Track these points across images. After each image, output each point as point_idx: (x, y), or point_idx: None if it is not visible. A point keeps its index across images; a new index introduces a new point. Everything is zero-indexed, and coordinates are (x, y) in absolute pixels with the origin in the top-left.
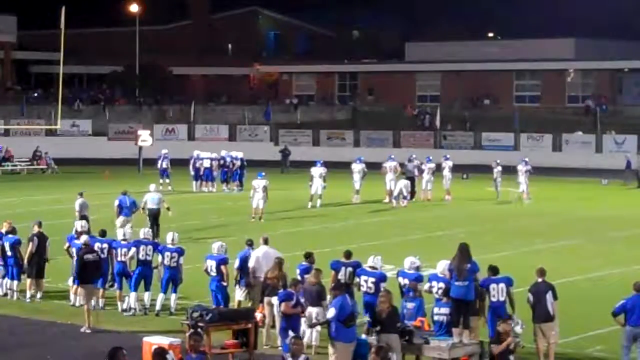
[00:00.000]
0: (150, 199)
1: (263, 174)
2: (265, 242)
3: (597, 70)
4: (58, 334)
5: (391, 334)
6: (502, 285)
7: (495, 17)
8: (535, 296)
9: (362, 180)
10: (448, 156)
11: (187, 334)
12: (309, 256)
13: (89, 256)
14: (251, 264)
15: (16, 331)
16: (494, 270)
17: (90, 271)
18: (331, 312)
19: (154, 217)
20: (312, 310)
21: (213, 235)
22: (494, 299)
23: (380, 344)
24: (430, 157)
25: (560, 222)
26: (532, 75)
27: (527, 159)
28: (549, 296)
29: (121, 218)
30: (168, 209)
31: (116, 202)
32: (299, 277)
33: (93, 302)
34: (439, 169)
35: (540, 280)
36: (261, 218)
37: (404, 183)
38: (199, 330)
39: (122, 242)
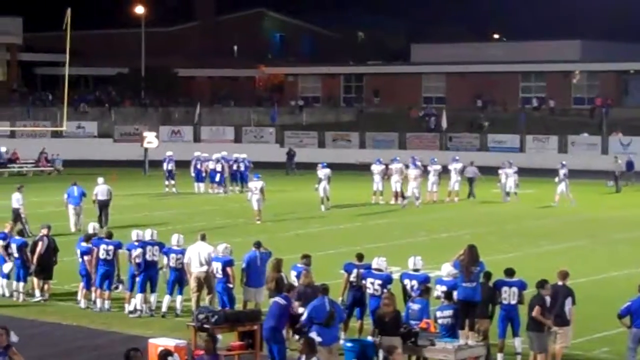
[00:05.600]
0: (100, 191)
1: (259, 175)
2: (203, 238)
3: (603, 72)
4: (64, 335)
5: (393, 337)
6: (514, 288)
7: (500, 18)
8: (552, 298)
9: (383, 180)
10: (457, 158)
11: (203, 337)
12: (305, 257)
13: None
14: (185, 259)
15: (22, 332)
16: (508, 272)
17: None
18: (304, 314)
19: (103, 207)
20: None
21: (218, 237)
22: (505, 302)
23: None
24: (435, 159)
25: (566, 223)
26: (538, 76)
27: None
28: (568, 301)
29: (71, 207)
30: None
31: (65, 195)
32: (294, 279)
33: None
34: (445, 170)
35: (560, 283)
36: (259, 219)
37: (415, 184)
38: (213, 333)
39: (136, 244)
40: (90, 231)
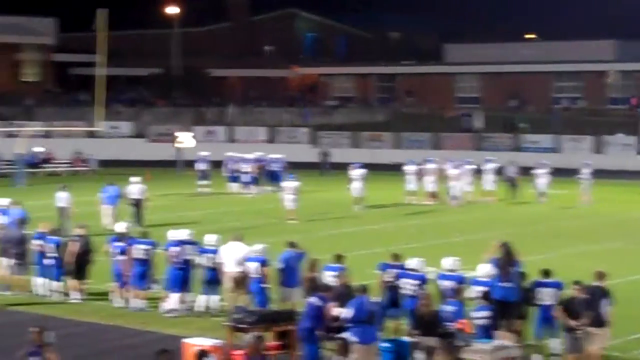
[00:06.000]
0: (134, 190)
1: (293, 175)
2: (237, 238)
3: (638, 71)
4: (100, 334)
5: (432, 337)
6: (551, 289)
7: (534, 18)
8: (589, 299)
9: (416, 181)
10: (491, 158)
11: (249, 338)
12: (338, 258)
13: None
14: (220, 259)
15: (59, 332)
16: (545, 273)
17: None
18: (346, 313)
19: (137, 206)
20: (339, 311)
21: (253, 237)
22: (542, 302)
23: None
24: (469, 159)
25: (601, 224)
26: (573, 76)
27: None
28: (605, 302)
29: (105, 207)
30: (147, 199)
31: (100, 195)
32: (330, 279)
33: None
34: (479, 170)
35: (597, 284)
36: (293, 219)
37: (455, 184)
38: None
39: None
40: (121, 230)
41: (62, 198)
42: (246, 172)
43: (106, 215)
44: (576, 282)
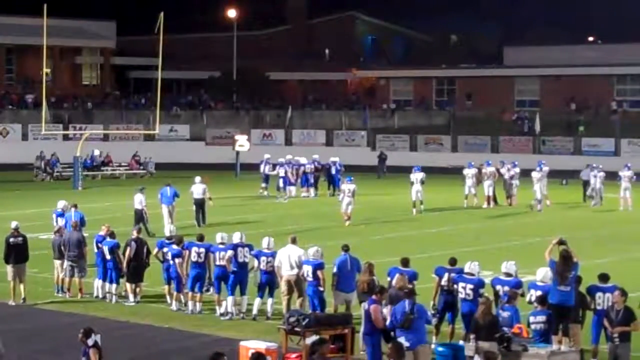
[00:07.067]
0: (196, 190)
1: (352, 178)
2: (293, 241)
3: None
4: (155, 337)
5: (490, 342)
6: (609, 294)
7: (595, 20)
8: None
9: (474, 184)
10: (543, 162)
11: (310, 341)
12: (406, 262)
13: (14, 240)
14: (276, 262)
15: (114, 334)
16: (603, 277)
17: (16, 253)
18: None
19: (199, 206)
20: None
21: (309, 240)
22: (599, 307)
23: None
24: (516, 162)
25: None
26: (634, 79)
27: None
28: None
29: (164, 207)
30: (210, 199)
31: (159, 196)
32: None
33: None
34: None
35: None
36: (348, 221)
37: (539, 186)
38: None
39: (220, 246)
40: (167, 234)
41: (140, 200)
42: (281, 177)
43: (165, 217)
44: (618, 288)
